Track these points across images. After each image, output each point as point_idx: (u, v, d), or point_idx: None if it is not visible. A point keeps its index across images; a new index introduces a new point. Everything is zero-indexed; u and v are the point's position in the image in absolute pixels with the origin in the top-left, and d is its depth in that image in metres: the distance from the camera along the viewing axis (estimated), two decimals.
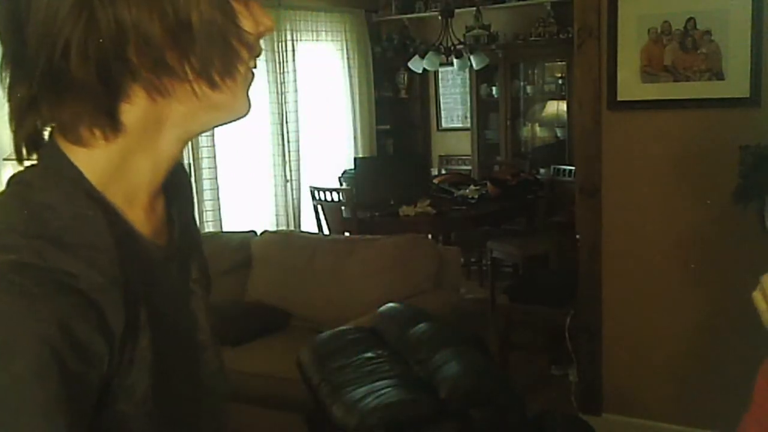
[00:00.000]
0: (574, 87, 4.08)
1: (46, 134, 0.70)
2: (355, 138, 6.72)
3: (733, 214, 2.72)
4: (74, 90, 0.65)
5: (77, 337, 0.59)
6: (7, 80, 0.68)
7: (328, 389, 2.40)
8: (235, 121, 0.75)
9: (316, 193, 5.35)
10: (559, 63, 6.45)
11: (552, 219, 5.28)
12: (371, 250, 3.76)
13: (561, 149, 6.39)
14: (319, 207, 5.36)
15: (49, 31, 0.63)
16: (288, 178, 5.97)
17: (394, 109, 7.35)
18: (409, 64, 6.11)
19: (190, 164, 5.16)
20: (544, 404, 3.46)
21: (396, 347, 2.67)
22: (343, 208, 5.15)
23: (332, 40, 6.50)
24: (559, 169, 5.85)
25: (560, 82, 6.49)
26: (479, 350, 2.62)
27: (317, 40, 6.32)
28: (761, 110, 2.92)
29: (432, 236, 5.25)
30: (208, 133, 5.19)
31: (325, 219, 5.34)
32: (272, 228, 5.56)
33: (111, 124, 0.67)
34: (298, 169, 6.04)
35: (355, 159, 6.18)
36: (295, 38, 5.99)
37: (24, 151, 0.69)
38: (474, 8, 6.44)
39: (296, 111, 5.98)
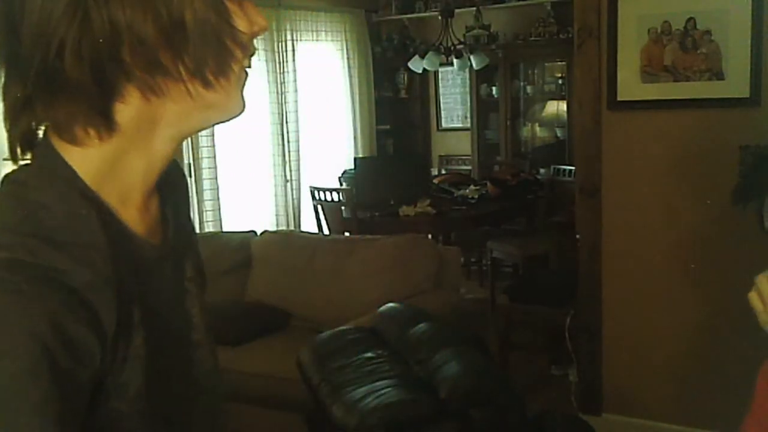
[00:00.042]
0: (574, 87, 4.08)
1: (40, 133, 0.71)
2: (355, 138, 6.72)
3: (733, 214, 2.72)
4: (69, 90, 0.65)
5: (69, 334, 0.59)
6: (2, 80, 0.68)
7: (328, 389, 2.40)
8: (229, 120, 0.75)
9: (316, 193, 5.35)
10: (559, 63, 6.44)
11: (552, 219, 5.28)
12: (371, 250, 3.76)
13: (561, 149, 6.39)
14: (319, 207, 5.36)
15: (44, 32, 0.64)
16: (288, 178, 5.97)
17: (394, 109, 7.35)
18: (409, 64, 6.11)
19: (190, 164, 5.16)
20: (544, 404, 3.46)
21: (396, 347, 2.67)
22: (343, 208, 5.15)
23: (332, 40, 6.50)
24: (559, 169, 5.85)
25: (560, 82, 6.49)
26: (479, 350, 2.62)
27: (317, 40, 6.32)
28: (761, 110, 2.92)
29: (432, 236, 5.25)
30: (208, 133, 5.19)
31: (325, 219, 5.34)
32: (272, 228, 5.56)
33: (105, 123, 0.68)
34: (298, 169, 6.04)
35: (355, 159, 6.18)
36: (295, 38, 5.99)
37: (18, 151, 0.70)
38: (474, 8, 6.44)
39: (296, 111, 5.98)
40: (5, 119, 0.69)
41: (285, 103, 5.89)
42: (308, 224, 5.86)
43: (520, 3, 6.44)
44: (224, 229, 5.22)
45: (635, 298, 3.28)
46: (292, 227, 5.93)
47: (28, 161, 0.70)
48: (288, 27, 5.91)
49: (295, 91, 5.96)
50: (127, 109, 0.68)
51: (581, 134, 3.34)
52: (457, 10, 6.10)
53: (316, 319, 3.61)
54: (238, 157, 5.60)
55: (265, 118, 5.80)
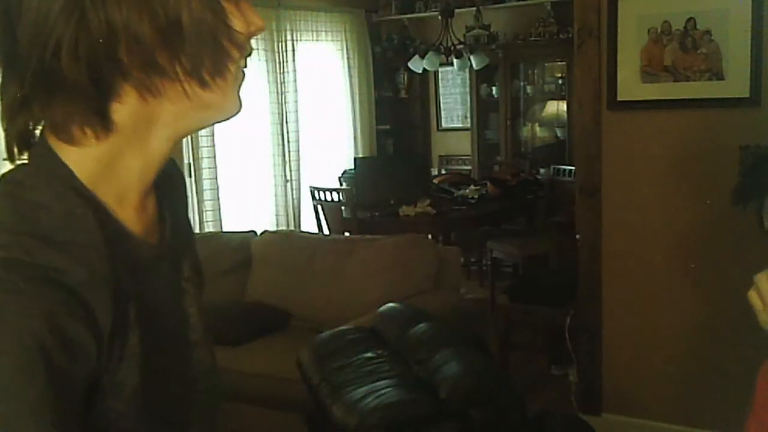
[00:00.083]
0: (574, 87, 4.08)
1: (38, 133, 0.71)
2: (355, 138, 6.72)
3: (733, 214, 2.72)
4: (65, 89, 0.65)
5: (65, 333, 0.60)
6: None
7: (328, 389, 2.40)
8: (226, 120, 0.76)
9: (316, 193, 5.35)
10: (559, 63, 6.44)
11: (552, 219, 5.28)
12: (371, 250, 3.76)
13: (561, 149, 6.39)
14: (319, 207, 5.36)
15: (41, 32, 0.64)
16: (288, 178, 5.97)
17: (394, 109, 7.35)
18: (409, 64, 6.11)
19: (190, 164, 5.16)
20: (544, 404, 3.46)
21: (396, 347, 2.67)
22: (343, 208, 5.15)
23: (332, 40, 6.50)
24: (559, 169, 5.85)
25: (560, 82, 6.49)
26: (479, 350, 2.62)
27: (317, 40, 6.32)
28: (761, 110, 2.92)
29: (432, 236, 5.25)
30: (208, 133, 5.19)
31: (325, 219, 5.34)
32: (272, 228, 5.56)
33: (102, 123, 0.68)
34: (298, 169, 6.03)
35: (355, 159, 6.18)
36: (295, 38, 5.99)
37: (15, 150, 0.70)
38: (474, 8, 6.44)
39: (296, 111, 5.98)
40: (2, 119, 0.70)
41: (285, 103, 5.88)
42: (308, 224, 5.86)
43: (520, 3, 6.43)
44: (224, 229, 5.22)
45: (635, 298, 3.28)
46: (292, 227, 5.93)
47: (26, 161, 0.70)
48: (288, 27, 5.91)
49: (295, 91, 5.96)
50: (124, 108, 0.69)
51: (581, 134, 3.34)
52: (457, 10, 6.10)
53: (316, 319, 3.61)
54: (238, 157, 5.60)
55: (265, 118, 5.79)
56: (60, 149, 0.69)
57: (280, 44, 5.83)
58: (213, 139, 5.24)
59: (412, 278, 3.59)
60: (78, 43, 0.64)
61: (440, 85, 7.28)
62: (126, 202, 0.73)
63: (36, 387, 0.57)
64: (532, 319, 4.07)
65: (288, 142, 5.93)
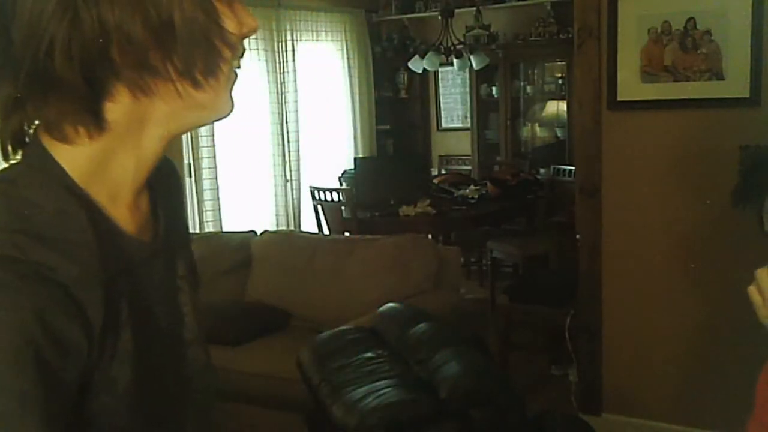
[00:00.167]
0: (574, 87, 4.08)
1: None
2: (355, 138, 6.72)
3: (733, 213, 2.71)
4: (59, 89, 0.66)
5: (54, 328, 0.60)
6: None
7: (328, 389, 2.40)
8: (218, 120, 0.76)
9: (316, 193, 5.35)
10: (559, 63, 6.45)
11: (552, 219, 5.28)
12: (371, 250, 3.76)
13: (561, 149, 6.39)
14: (319, 207, 5.36)
15: (34, 32, 0.65)
16: (288, 178, 5.97)
17: (394, 109, 7.35)
18: (409, 64, 6.11)
19: (190, 164, 5.16)
20: (544, 404, 3.46)
21: (396, 347, 2.67)
22: (343, 208, 5.15)
23: (332, 40, 6.50)
24: (559, 169, 5.85)
25: (560, 82, 6.49)
26: (479, 350, 2.62)
27: (317, 40, 6.32)
28: (761, 110, 2.92)
29: (432, 236, 5.25)
30: (208, 133, 5.19)
31: (325, 219, 5.34)
32: (272, 228, 5.56)
33: (95, 122, 0.69)
34: (298, 169, 6.03)
35: (355, 159, 6.18)
36: (295, 38, 5.99)
37: (9, 149, 0.71)
38: (474, 8, 6.44)
39: (296, 111, 5.98)
40: None
41: (285, 103, 5.88)
42: (308, 224, 5.86)
43: (520, 3, 6.44)
44: (224, 229, 5.22)
45: (635, 298, 3.28)
46: (292, 227, 5.93)
47: (19, 160, 0.71)
48: (288, 27, 5.91)
49: (295, 91, 5.96)
50: (117, 107, 0.69)
51: (581, 134, 3.34)
52: (457, 10, 6.10)
53: (316, 319, 3.61)
54: (238, 157, 5.60)
55: (265, 118, 5.80)
56: (53, 148, 0.70)
57: (280, 44, 5.83)
58: (213, 139, 5.24)
59: (412, 278, 3.59)
60: (71, 43, 0.65)
61: (440, 85, 7.28)
62: (119, 201, 0.74)
63: (25, 382, 0.58)
64: (532, 319, 4.07)
65: (288, 142, 5.93)
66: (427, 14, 6.89)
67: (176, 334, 0.81)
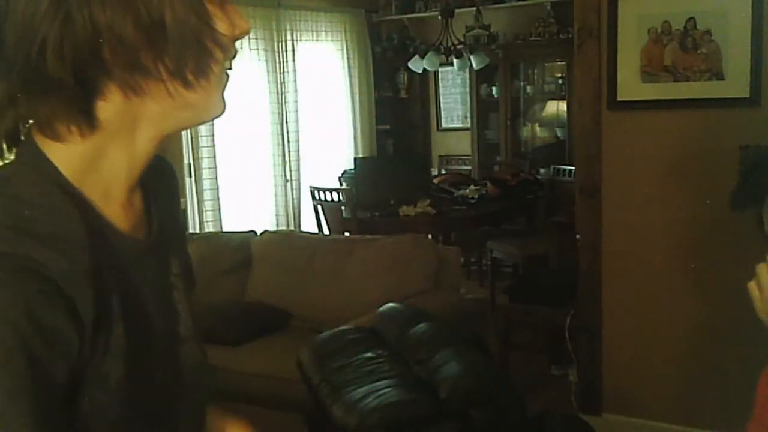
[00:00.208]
0: (574, 87, 4.08)
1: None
2: (355, 138, 6.72)
3: (733, 214, 2.71)
4: (51, 88, 0.67)
5: (44, 322, 0.61)
6: None
7: (328, 389, 2.40)
8: (210, 121, 0.78)
9: (316, 193, 5.35)
10: (559, 63, 6.45)
11: (552, 219, 5.28)
12: (371, 250, 3.76)
13: (561, 149, 6.39)
14: (319, 207, 5.36)
15: (27, 31, 0.66)
16: (288, 178, 5.97)
17: (394, 109, 7.35)
18: (409, 64, 6.11)
19: (190, 164, 5.16)
20: (544, 404, 3.46)
21: (396, 347, 2.66)
22: (343, 208, 5.15)
23: (332, 40, 6.50)
24: (559, 169, 5.85)
25: (560, 82, 6.49)
26: (479, 350, 2.62)
27: (317, 40, 6.32)
28: (761, 110, 2.92)
29: (432, 236, 5.25)
30: (208, 133, 5.19)
31: (325, 219, 5.34)
32: (272, 228, 5.56)
33: (87, 120, 0.69)
34: (298, 169, 6.04)
35: (355, 159, 6.18)
36: (295, 38, 5.99)
37: (4, 148, 0.72)
38: (474, 8, 6.44)
39: (296, 111, 5.98)
40: None
41: (285, 103, 5.88)
42: (308, 224, 5.86)
43: (520, 3, 6.44)
44: (224, 229, 5.22)
45: (635, 298, 3.28)
46: (292, 227, 5.94)
47: (14, 158, 0.72)
48: (288, 27, 5.91)
49: (295, 91, 5.96)
50: (109, 106, 0.70)
51: (581, 134, 3.34)
52: (457, 10, 6.10)
53: (316, 319, 3.61)
54: (238, 157, 5.60)
55: (265, 118, 5.80)
56: (46, 146, 0.70)
57: (280, 44, 5.83)
58: (213, 139, 5.25)
59: (412, 278, 3.58)
60: (63, 43, 0.65)
61: (440, 85, 7.28)
62: (112, 199, 0.74)
63: (14, 375, 0.58)
64: (532, 319, 4.07)
65: (288, 142, 5.94)
66: (427, 14, 6.89)
67: (170, 331, 0.81)
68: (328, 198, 5.25)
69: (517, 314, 4.05)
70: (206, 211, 5.25)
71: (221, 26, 0.72)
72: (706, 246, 3.09)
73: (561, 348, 3.67)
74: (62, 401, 0.63)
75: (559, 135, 6.58)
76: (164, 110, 0.73)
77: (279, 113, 5.86)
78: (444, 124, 7.35)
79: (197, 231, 5.07)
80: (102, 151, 0.72)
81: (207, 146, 5.22)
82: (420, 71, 6.17)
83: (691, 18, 2.99)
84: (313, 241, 4.07)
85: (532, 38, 6.37)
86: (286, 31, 5.88)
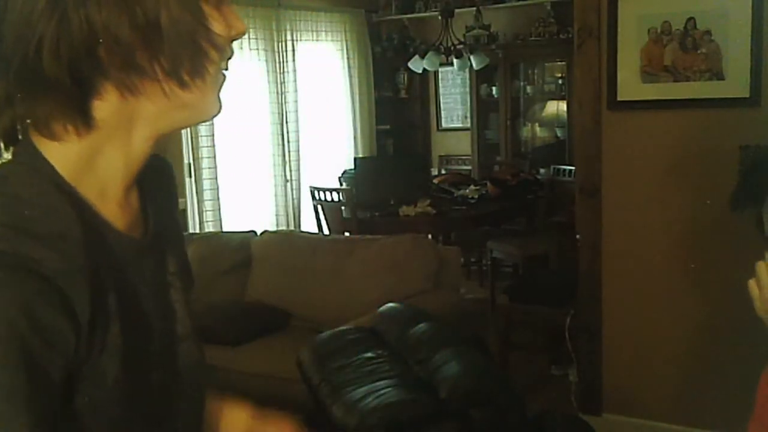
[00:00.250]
0: (574, 87, 4.08)
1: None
2: (355, 138, 6.71)
3: (733, 214, 2.71)
4: (47, 87, 0.67)
5: (40, 320, 0.61)
6: None
7: (328, 389, 2.40)
8: (206, 121, 0.78)
9: (316, 193, 5.35)
10: (559, 63, 6.45)
11: (552, 219, 5.28)
12: (371, 250, 3.76)
13: (561, 149, 6.39)
14: (319, 207, 5.36)
15: (24, 30, 0.66)
16: (288, 178, 5.97)
17: (394, 109, 7.35)
18: (409, 64, 6.11)
19: (190, 164, 5.16)
20: (544, 404, 3.46)
21: (396, 347, 2.67)
22: (343, 208, 5.15)
23: (332, 40, 6.49)
24: (559, 169, 5.85)
25: (560, 82, 6.49)
26: (479, 350, 2.62)
27: (317, 40, 6.32)
28: (761, 110, 2.92)
29: (432, 236, 5.25)
30: (208, 133, 5.19)
31: (325, 219, 5.34)
32: (272, 228, 5.56)
33: (83, 120, 0.70)
34: (298, 169, 6.03)
35: (355, 159, 6.18)
36: (295, 38, 5.99)
37: (1, 146, 0.72)
38: (474, 8, 6.44)
39: (296, 111, 5.98)
40: None
41: (285, 103, 5.88)
42: (308, 224, 5.86)
43: (520, 3, 6.44)
44: (224, 229, 5.22)
45: (635, 298, 3.28)
46: (292, 227, 5.93)
47: (11, 157, 0.72)
48: (288, 27, 5.91)
49: (295, 91, 5.96)
50: (105, 106, 0.71)
51: (581, 134, 3.34)
52: (457, 10, 6.10)
53: (316, 319, 3.61)
54: (238, 157, 5.60)
55: (265, 118, 5.79)
56: (43, 145, 0.71)
57: (280, 44, 5.83)
58: (213, 139, 5.24)
59: (412, 278, 3.58)
60: (59, 43, 0.66)
61: (440, 85, 7.28)
62: (108, 198, 0.74)
63: (10, 373, 0.58)
64: (532, 319, 4.07)
65: (288, 142, 5.93)
66: (427, 14, 6.88)
67: (168, 330, 0.81)
68: (328, 198, 5.25)
69: (517, 314, 4.05)
70: (206, 211, 5.25)
71: (217, 27, 0.72)
72: (706, 246, 3.09)
73: (561, 348, 3.67)
74: (60, 400, 0.63)
75: (559, 135, 6.58)
76: (160, 110, 0.73)
77: (279, 113, 5.86)
78: (444, 124, 7.35)
79: (197, 231, 5.07)
80: (98, 150, 0.72)
81: (207, 146, 5.21)
82: (420, 71, 6.17)
83: (691, 18, 2.99)
84: (313, 241, 4.07)
85: (532, 38, 6.37)
86: (286, 31, 5.88)
